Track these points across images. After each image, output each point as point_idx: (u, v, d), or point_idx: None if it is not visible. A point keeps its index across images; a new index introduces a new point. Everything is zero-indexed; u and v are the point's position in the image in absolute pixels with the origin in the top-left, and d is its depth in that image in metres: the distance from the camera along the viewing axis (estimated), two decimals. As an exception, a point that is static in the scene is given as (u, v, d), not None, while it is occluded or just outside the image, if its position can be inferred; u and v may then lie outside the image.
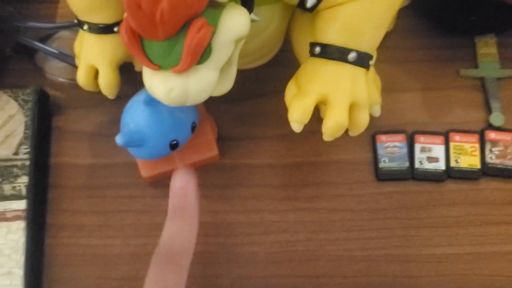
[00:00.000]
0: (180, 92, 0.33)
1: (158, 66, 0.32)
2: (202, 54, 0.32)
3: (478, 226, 0.48)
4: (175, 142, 0.43)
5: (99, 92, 0.48)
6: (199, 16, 0.31)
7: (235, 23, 0.32)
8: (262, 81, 0.52)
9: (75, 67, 0.50)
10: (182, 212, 0.40)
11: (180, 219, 0.40)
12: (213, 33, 0.31)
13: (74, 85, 0.52)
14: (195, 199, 0.41)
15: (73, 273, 0.47)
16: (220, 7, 0.32)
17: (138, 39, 0.32)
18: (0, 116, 0.48)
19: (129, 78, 0.48)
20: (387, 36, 0.39)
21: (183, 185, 0.41)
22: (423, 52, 0.54)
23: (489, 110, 0.51)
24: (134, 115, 0.41)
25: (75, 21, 0.45)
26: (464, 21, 0.50)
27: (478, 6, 0.48)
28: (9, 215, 0.46)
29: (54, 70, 0.53)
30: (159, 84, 0.33)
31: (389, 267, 0.46)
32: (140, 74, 0.48)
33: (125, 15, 0.32)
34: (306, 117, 0.37)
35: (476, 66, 0.53)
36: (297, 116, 0.37)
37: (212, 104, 0.50)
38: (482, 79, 0.52)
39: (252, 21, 0.34)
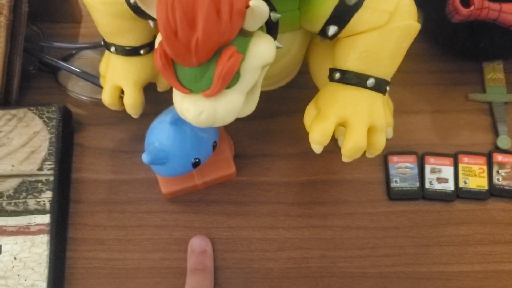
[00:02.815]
0: (209, 115, 0.35)
1: (189, 90, 0.34)
2: (231, 80, 0.33)
3: (486, 245, 0.49)
4: (197, 160, 0.44)
5: (120, 110, 0.50)
6: (229, 44, 0.32)
7: (262, 51, 0.34)
8: (278, 101, 0.54)
9: (97, 85, 0.52)
10: (203, 272, 0.47)
11: (201, 277, 0.47)
12: (242, 60, 0.33)
13: (96, 102, 0.54)
14: (212, 262, 0.48)
15: (93, 286, 0.48)
16: (248, 35, 0.34)
17: (171, 64, 0.33)
18: (25, 132, 0.50)
19: (151, 97, 0.50)
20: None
21: (202, 249, 0.48)
22: (433, 76, 0.56)
23: (496, 133, 0.53)
24: (160, 135, 0.43)
25: (102, 42, 0.46)
26: (473, 47, 0.52)
27: (487, 34, 0.50)
28: (33, 229, 0.47)
29: (76, 88, 0.55)
30: (190, 107, 0.35)
31: (400, 284, 0.48)
32: (162, 93, 0.50)
33: (158, 40, 0.34)
34: (327, 139, 0.38)
35: (484, 91, 0.55)
36: (318, 138, 0.38)
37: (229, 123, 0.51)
38: (489, 103, 0.54)
39: (276, 48, 0.36)
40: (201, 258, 0.48)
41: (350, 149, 0.38)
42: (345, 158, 0.40)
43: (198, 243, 0.48)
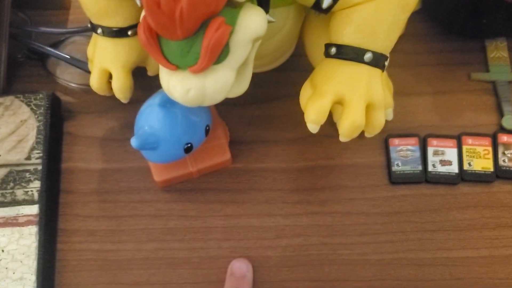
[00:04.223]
0: (197, 92, 0.33)
1: (176, 66, 0.32)
2: (220, 54, 0.32)
3: (492, 229, 0.47)
4: (189, 145, 0.43)
5: (111, 97, 0.48)
6: (217, 15, 0.31)
7: (253, 22, 0.32)
8: (274, 85, 0.52)
9: (87, 72, 0.50)
10: None
11: None
12: (231, 32, 0.31)
13: (86, 90, 0.52)
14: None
15: (85, 279, 0.46)
16: (237, 6, 0.32)
17: (155, 39, 0.32)
18: (12, 121, 0.48)
19: (141, 83, 0.49)
20: (398, 40, 0.39)
21: (242, 274, 0.45)
22: (434, 56, 0.54)
23: (501, 113, 0.51)
24: (149, 118, 0.41)
25: (89, 25, 0.45)
26: (475, 24, 0.50)
27: (489, 9, 0.48)
28: (21, 220, 0.45)
29: (66, 75, 0.53)
30: (177, 84, 0.33)
31: (404, 271, 0.46)
32: (152, 78, 0.49)
33: (143, 14, 0.32)
34: (323, 118, 0.37)
35: (487, 70, 0.53)
36: (314, 116, 0.37)
37: (224, 108, 0.50)
38: (493, 83, 0.52)
39: (268, 22, 0.34)
40: (237, 284, 0.45)
41: (347, 127, 0.37)
42: (342, 138, 0.38)
43: (238, 267, 0.46)
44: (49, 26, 0.54)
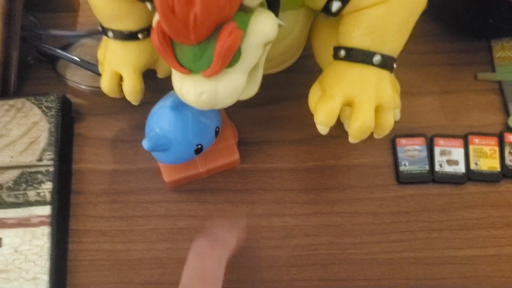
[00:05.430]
0: (210, 96, 0.33)
1: (189, 70, 0.33)
2: (232, 58, 0.32)
3: (499, 228, 0.48)
4: (199, 146, 0.43)
5: (120, 99, 0.49)
6: (229, 20, 0.31)
7: (264, 26, 0.32)
8: (282, 87, 0.53)
9: (96, 74, 0.51)
10: None
11: None
12: (243, 37, 0.32)
13: (96, 92, 0.53)
14: None
15: (97, 278, 0.47)
16: (249, 11, 0.32)
17: (169, 43, 0.32)
18: (24, 123, 0.49)
19: (151, 85, 0.49)
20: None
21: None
22: (440, 56, 0.54)
23: (507, 113, 0.51)
24: (160, 120, 0.42)
25: (99, 28, 0.45)
26: (481, 24, 0.50)
27: (496, 9, 0.48)
28: (33, 220, 0.46)
29: (76, 77, 0.54)
30: (190, 88, 0.33)
31: (412, 270, 0.47)
32: (162, 80, 0.49)
33: (156, 19, 0.32)
34: (333, 119, 0.37)
35: (493, 70, 0.53)
36: (324, 118, 0.37)
37: (232, 109, 0.50)
38: (499, 82, 0.52)
39: (279, 26, 0.35)
40: None
41: (357, 128, 0.37)
42: (352, 139, 0.38)
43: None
44: (59, 29, 0.55)
